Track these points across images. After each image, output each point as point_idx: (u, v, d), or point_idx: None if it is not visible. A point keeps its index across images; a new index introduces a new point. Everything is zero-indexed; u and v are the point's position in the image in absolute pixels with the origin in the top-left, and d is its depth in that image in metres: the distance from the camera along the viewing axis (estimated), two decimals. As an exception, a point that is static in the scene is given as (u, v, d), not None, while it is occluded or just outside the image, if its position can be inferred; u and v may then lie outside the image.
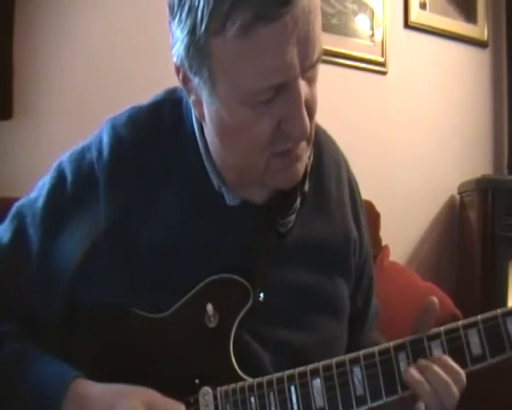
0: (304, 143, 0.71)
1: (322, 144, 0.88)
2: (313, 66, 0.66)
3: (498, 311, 0.69)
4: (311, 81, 0.68)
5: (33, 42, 1.65)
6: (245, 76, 0.63)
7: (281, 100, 0.65)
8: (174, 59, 0.68)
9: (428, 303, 0.72)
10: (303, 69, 0.64)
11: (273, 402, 0.70)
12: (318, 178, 0.86)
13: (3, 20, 1.57)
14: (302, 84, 0.65)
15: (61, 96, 1.70)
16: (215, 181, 0.77)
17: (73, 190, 0.77)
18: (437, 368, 0.68)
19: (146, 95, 0.84)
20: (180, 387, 0.71)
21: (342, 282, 0.86)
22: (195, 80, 0.68)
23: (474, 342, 0.68)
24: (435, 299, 0.72)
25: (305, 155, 0.74)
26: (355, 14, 2.25)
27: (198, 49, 0.64)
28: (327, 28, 2.15)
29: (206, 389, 0.72)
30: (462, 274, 2.37)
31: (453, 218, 2.46)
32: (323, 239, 0.83)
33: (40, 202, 0.78)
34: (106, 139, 0.78)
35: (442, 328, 0.70)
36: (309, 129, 0.67)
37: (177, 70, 0.70)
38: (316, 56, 0.65)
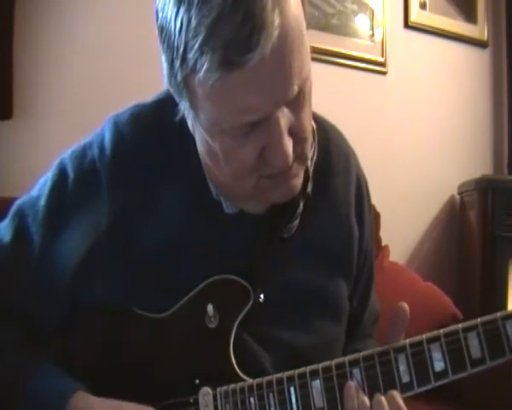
0: (297, 164, 0.70)
1: (329, 138, 0.87)
2: (295, 98, 0.64)
3: (498, 314, 0.69)
4: (297, 108, 0.66)
5: (33, 42, 1.65)
6: (218, 114, 0.63)
7: (260, 131, 0.64)
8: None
9: (399, 310, 0.72)
10: (279, 104, 0.63)
11: (273, 403, 0.70)
12: (325, 173, 0.84)
13: (3, 20, 1.57)
14: (284, 114, 0.64)
15: (60, 96, 1.70)
16: (213, 189, 0.76)
17: (75, 188, 0.77)
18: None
19: (146, 94, 0.84)
20: (180, 387, 0.72)
21: (342, 282, 0.85)
22: (182, 103, 0.68)
23: (474, 345, 0.68)
24: (405, 304, 0.72)
25: (301, 171, 0.73)
26: (355, 14, 2.25)
27: (176, 81, 0.64)
28: (327, 28, 2.15)
29: (206, 390, 0.71)
30: (462, 274, 2.37)
31: (453, 218, 2.46)
32: (327, 241, 0.83)
33: (42, 201, 0.77)
34: (108, 137, 0.78)
35: (441, 331, 0.69)
36: (291, 159, 0.65)
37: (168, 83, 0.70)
38: (295, 90, 0.63)
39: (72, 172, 0.77)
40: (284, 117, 0.64)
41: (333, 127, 0.91)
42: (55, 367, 0.73)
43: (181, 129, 0.77)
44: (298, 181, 0.72)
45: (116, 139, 0.77)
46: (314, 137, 0.82)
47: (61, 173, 0.78)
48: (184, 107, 0.67)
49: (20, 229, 0.77)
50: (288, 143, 0.64)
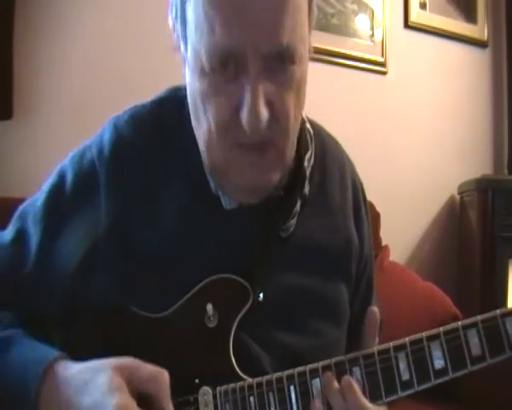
0: (273, 155, 0.70)
1: (326, 148, 0.88)
2: (277, 58, 0.64)
3: (498, 311, 0.69)
4: (281, 85, 0.66)
5: (33, 42, 1.65)
6: (200, 44, 0.65)
7: (238, 85, 0.65)
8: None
9: (369, 312, 0.72)
10: (258, 52, 0.63)
11: (272, 402, 0.69)
12: (322, 181, 0.85)
13: (3, 21, 1.56)
14: (266, 85, 0.64)
15: (60, 96, 1.70)
16: (212, 183, 0.76)
17: (74, 188, 0.77)
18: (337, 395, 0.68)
19: (145, 95, 0.84)
20: (180, 386, 0.71)
21: (343, 286, 0.85)
22: (179, 42, 0.71)
23: (474, 342, 0.68)
24: (374, 308, 0.72)
25: (277, 165, 0.72)
26: (355, 14, 2.25)
27: (176, 9, 0.68)
28: (327, 28, 2.16)
29: (206, 389, 0.71)
30: (462, 274, 2.37)
31: (453, 218, 2.46)
32: (325, 243, 0.83)
33: (40, 202, 0.78)
34: (107, 137, 0.78)
35: (441, 328, 0.69)
36: (262, 125, 0.65)
37: (173, 27, 0.73)
38: (280, 47, 0.63)
39: (71, 173, 0.78)
40: (265, 85, 0.65)
41: (329, 136, 0.92)
42: (41, 341, 0.71)
43: (180, 128, 0.78)
44: (272, 174, 0.71)
45: (115, 139, 0.77)
46: (311, 141, 0.83)
47: (60, 175, 0.79)
48: (181, 43, 0.70)
49: (20, 230, 0.78)
50: (262, 108, 0.64)
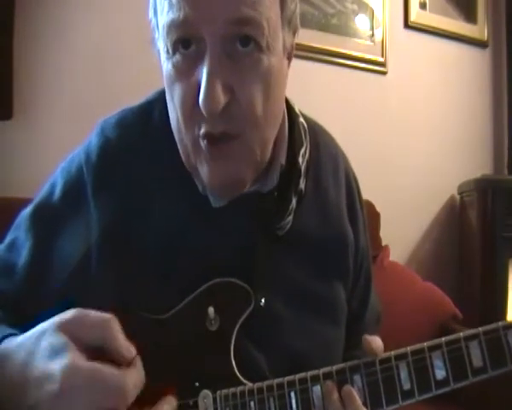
0: (239, 148, 0.67)
1: (319, 140, 0.87)
2: (240, 38, 0.63)
3: (500, 324, 0.68)
4: (245, 72, 0.64)
5: (33, 42, 1.65)
6: (162, 26, 0.65)
7: (199, 68, 0.63)
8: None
9: (362, 344, 0.71)
10: (216, 30, 0.61)
11: (273, 407, 0.69)
12: (317, 175, 0.84)
13: (3, 21, 1.57)
14: (225, 66, 0.62)
15: (60, 97, 1.70)
16: (199, 184, 0.75)
17: (62, 197, 0.77)
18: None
19: (145, 95, 0.84)
20: (180, 389, 0.71)
21: (340, 284, 0.85)
22: (154, 33, 0.70)
23: (475, 353, 0.67)
24: (365, 336, 0.71)
25: (242, 155, 0.68)
26: (355, 14, 2.25)
27: (152, 1, 0.69)
28: (327, 28, 2.16)
29: (206, 393, 0.71)
30: (462, 274, 2.37)
31: (453, 218, 2.46)
32: (322, 239, 0.82)
33: (31, 210, 0.78)
34: (94, 141, 0.78)
35: (443, 339, 0.69)
36: (217, 103, 0.62)
37: (150, 21, 0.72)
38: (238, 17, 0.61)
39: (61, 181, 0.78)
40: (226, 70, 0.62)
41: (322, 130, 0.91)
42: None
43: (169, 130, 0.76)
44: (240, 171, 0.69)
45: (102, 143, 0.77)
46: (306, 136, 0.81)
47: (51, 184, 0.79)
48: (156, 34, 0.70)
49: (14, 238, 0.78)
50: (217, 89, 0.62)
